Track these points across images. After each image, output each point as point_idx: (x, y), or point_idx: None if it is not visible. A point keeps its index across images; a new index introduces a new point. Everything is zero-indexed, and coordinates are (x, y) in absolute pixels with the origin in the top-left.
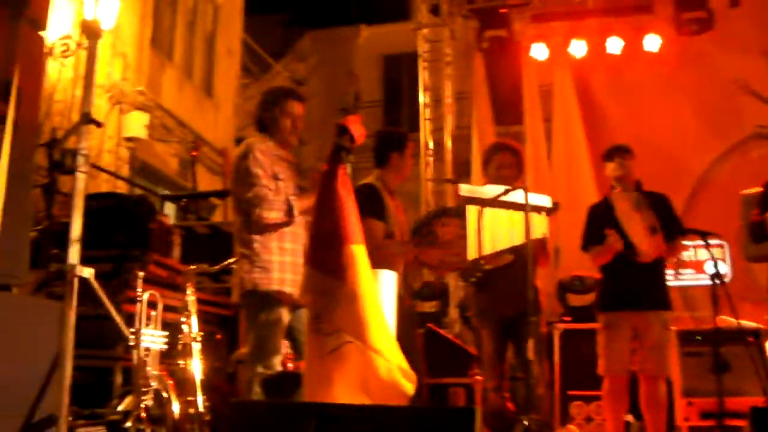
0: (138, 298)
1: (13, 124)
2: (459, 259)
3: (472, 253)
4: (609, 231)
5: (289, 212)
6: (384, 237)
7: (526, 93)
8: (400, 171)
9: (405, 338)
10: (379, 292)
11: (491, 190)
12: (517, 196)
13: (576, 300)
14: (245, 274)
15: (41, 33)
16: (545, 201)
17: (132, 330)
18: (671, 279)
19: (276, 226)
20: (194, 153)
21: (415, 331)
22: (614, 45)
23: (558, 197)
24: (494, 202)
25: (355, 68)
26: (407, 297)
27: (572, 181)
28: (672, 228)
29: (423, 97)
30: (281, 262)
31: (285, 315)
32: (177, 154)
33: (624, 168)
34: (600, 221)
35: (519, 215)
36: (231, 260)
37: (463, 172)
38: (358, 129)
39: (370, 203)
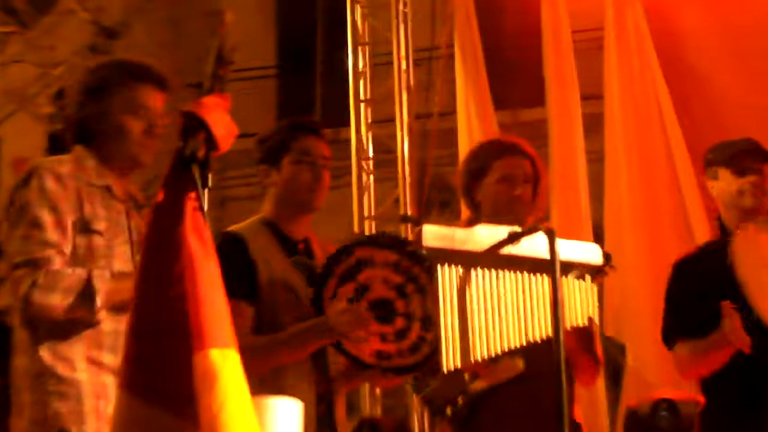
0: None
1: None
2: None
3: (448, 360)
4: (726, 305)
5: (86, 299)
6: (253, 329)
7: (548, 47)
8: (297, 190)
9: None
10: None
11: (484, 235)
12: (535, 243)
13: None
14: (36, 410)
15: None
16: (592, 253)
17: None
18: None
19: (66, 324)
20: None
21: None
22: None
23: (617, 245)
24: (491, 258)
25: (226, 7)
26: None
27: (646, 214)
28: None
29: (355, 59)
30: (97, 383)
31: None
32: None
33: (763, 192)
34: (703, 289)
35: (540, 283)
36: None
37: (434, 199)
38: (221, 121)
39: (228, 270)
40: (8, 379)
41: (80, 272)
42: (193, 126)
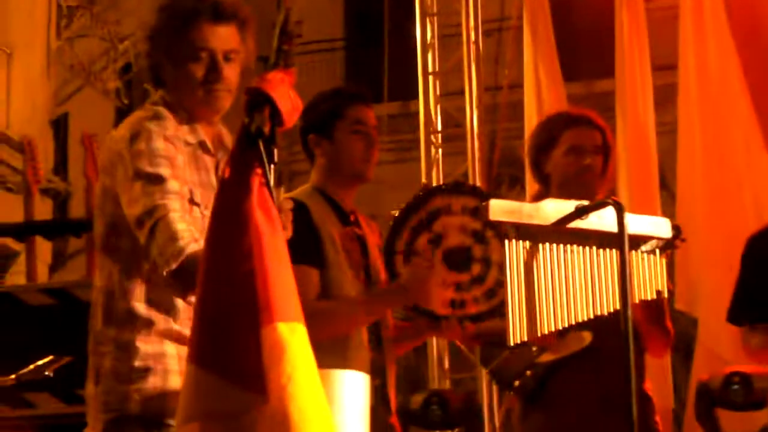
0: None
1: None
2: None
3: (515, 334)
4: None
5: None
6: (319, 295)
7: (621, 16)
8: (350, 160)
9: None
10: (335, 414)
11: (551, 209)
12: (604, 218)
13: (735, 423)
14: (118, 382)
15: None
16: (661, 227)
17: None
18: None
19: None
20: None
21: None
22: None
23: (689, 218)
24: (558, 232)
25: None
26: (387, 412)
27: (720, 188)
28: None
29: (423, 31)
30: (183, 359)
31: None
32: None
33: None
34: None
35: (608, 257)
36: (46, 361)
37: (503, 175)
38: (286, 97)
39: (293, 236)
40: (81, 351)
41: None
42: (259, 101)
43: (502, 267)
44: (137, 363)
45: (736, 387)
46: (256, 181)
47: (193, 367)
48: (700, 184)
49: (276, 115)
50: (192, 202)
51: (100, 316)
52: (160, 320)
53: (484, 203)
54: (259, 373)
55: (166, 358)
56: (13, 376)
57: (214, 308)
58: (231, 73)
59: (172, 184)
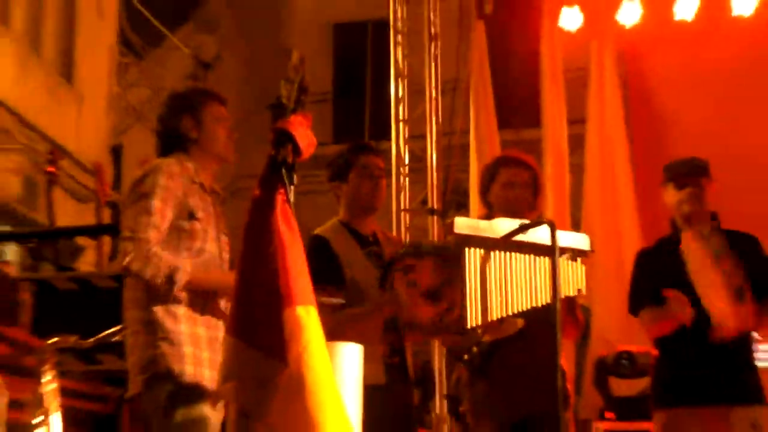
0: None
1: None
2: (456, 319)
3: (473, 319)
4: (670, 293)
5: (168, 283)
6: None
7: (546, 80)
8: (361, 199)
9: None
10: (337, 378)
11: (501, 226)
12: (539, 233)
13: (622, 387)
14: (147, 349)
15: None
16: (582, 241)
17: None
18: (764, 359)
19: (155, 288)
20: (49, 170)
21: None
22: (685, 8)
23: (591, 236)
24: (506, 243)
25: (291, 43)
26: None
27: (611, 214)
28: (764, 286)
29: (396, 88)
30: (193, 334)
31: (210, 413)
32: (20, 171)
33: (698, 201)
34: (660, 273)
35: (543, 263)
36: (114, 330)
37: (452, 201)
38: (304, 135)
39: (318, 266)
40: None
41: (171, 261)
42: (283, 138)
43: None
44: (160, 335)
45: (624, 362)
46: (280, 199)
47: (231, 338)
48: (599, 212)
49: (296, 149)
50: (192, 217)
51: (128, 305)
52: (171, 306)
53: (448, 220)
54: (282, 345)
55: (181, 336)
56: (91, 340)
57: (248, 294)
58: (233, 138)
59: (155, 219)
